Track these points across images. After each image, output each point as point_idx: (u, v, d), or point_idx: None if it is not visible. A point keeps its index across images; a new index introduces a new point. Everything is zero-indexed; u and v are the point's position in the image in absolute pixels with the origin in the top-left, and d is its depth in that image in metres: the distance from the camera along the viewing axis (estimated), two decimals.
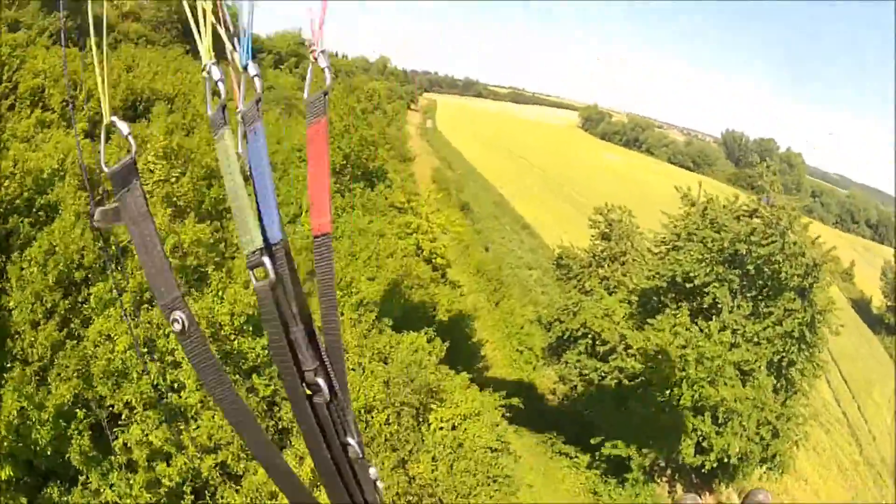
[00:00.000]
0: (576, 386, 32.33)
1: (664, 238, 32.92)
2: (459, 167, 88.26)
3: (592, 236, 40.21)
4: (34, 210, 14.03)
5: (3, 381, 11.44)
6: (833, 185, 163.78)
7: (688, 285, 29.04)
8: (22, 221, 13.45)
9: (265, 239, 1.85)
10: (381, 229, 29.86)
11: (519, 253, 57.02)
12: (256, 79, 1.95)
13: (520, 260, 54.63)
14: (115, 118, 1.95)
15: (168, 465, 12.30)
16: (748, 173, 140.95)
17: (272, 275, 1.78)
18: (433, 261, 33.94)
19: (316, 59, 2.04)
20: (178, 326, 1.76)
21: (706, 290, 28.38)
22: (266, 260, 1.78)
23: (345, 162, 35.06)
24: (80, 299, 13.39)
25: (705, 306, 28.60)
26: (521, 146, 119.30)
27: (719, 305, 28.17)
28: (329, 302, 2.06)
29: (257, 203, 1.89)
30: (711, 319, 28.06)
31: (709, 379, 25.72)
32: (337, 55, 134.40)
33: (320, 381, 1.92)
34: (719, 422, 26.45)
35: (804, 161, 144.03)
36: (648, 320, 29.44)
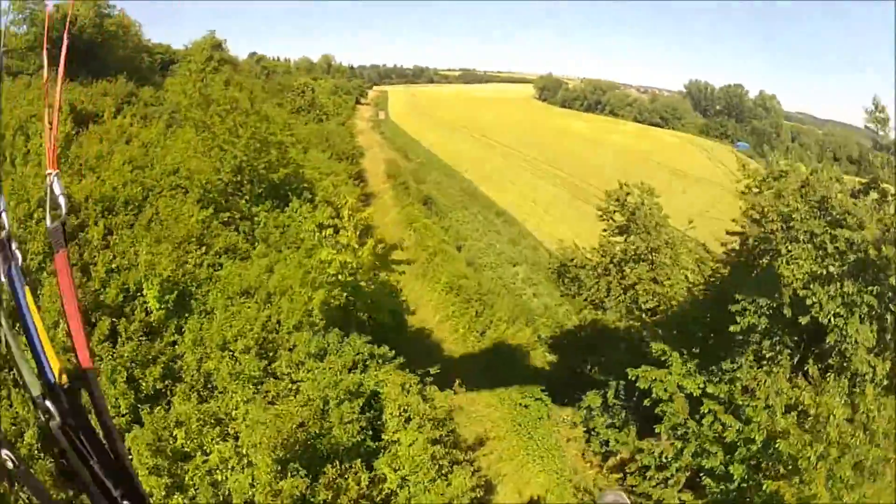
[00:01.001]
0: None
1: (740, 230, 19.17)
2: (418, 156, 77.49)
3: (604, 231, 28.55)
4: None
5: None
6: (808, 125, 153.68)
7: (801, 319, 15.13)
8: None
9: (45, 381, 1.75)
10: (284, 278, 19.20)
11: (498, 247, 46.51)
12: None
13: (500, 256, 44.05)
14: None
15: None
16: (721, 123, 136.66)
17: (57, 417, 1.69)
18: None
19: (51, 185, 1.94)
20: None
21: (828, 319, 14.89)
22: (49, 404, 1.68)
23: (237, 177, 24.34)
24: None
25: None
26: (480, 125, 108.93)
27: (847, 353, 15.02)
28: (107, 426, 1.87)
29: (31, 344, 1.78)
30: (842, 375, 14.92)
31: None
32: (278, 59, 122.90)
33: None
34: None
35: (779, 103, 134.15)
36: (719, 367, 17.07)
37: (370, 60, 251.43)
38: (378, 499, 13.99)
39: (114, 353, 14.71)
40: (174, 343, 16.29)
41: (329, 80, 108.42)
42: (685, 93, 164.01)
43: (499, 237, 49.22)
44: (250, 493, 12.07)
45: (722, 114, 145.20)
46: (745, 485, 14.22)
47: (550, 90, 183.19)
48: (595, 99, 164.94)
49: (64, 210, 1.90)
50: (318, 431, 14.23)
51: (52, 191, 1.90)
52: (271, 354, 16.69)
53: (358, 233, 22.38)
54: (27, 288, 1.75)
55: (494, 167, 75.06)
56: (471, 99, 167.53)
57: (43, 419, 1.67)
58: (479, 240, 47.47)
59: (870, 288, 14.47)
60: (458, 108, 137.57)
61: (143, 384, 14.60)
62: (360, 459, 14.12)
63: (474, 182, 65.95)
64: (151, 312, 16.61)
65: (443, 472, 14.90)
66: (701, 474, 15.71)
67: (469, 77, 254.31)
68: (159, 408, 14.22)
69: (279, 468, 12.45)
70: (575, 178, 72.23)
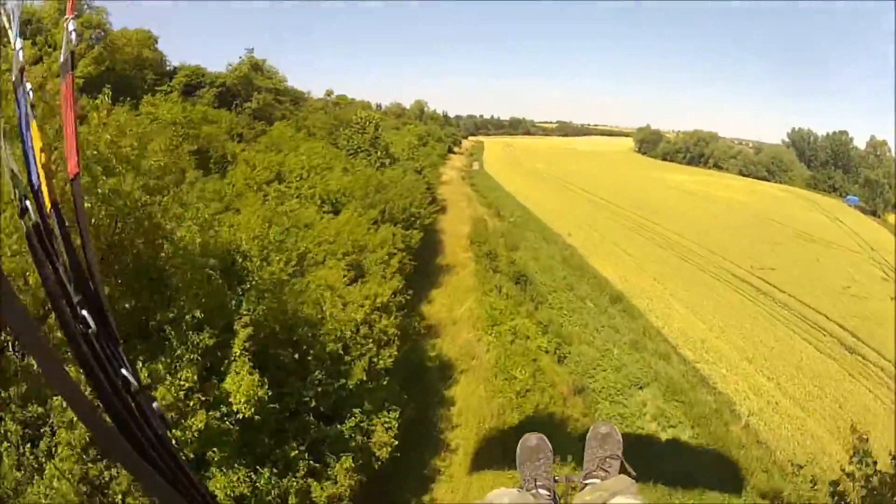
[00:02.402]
0: None
1: None
2: (512, 213, 63.38)
3: None
4: None
5: None
6: None
7: None
8: None
9: (30, 184, 1.87)
10: None
11: (616, 353, 31.72)
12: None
13: (620, 373, 29.32)
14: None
15: None
16: (828, 174, 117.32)
17: (34, 217, 1.74)
18: None
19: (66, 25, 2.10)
20: None
21: None
22: (28, 204, 1.75)
23: None
24: None
25: None
26: (580, 178, 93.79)
27: None
28: (84, 235, 2.01)
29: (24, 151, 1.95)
30: None
31: None
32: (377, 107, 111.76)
33: (85, 313, 1.72)
34: None
35: (891, 149, 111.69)
36: None
37: (466, 111, 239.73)
38: None
39: None
40: None
41: (419, 125, 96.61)
42: (789, 142, 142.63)
43: (617, 337, 34.07)
44: None
45: (828, 164, 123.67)
46: None
47: (650, 143, 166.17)
48: (698, 151, 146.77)
49: (74, 42, 2.07)
50: None
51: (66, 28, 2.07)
52: None
53: None
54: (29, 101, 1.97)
55: (601, 230, 59.84)
56: (569, 151, 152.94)
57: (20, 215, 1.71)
58: (590, 341, 32.65)
59: None
60: (555, 161, 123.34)
61: None
62: None
63: (579, 249, 50.81)
64: None
65: None
66: None
67: (566, 129, 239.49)
68: None
69: None
70: (693, 243, 56.30)
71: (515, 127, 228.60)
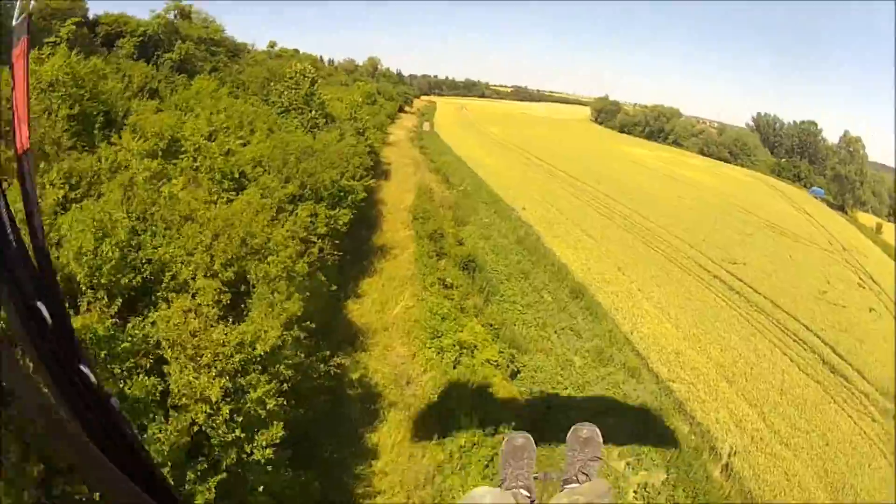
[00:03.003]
0: None
1: None
2: (462, 179, 56.86)
3: None
4: None
5: None
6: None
7: None
8: None
9: None
10: None
11: (581, 371, 26.01)
12: None
13: (586, 406, 23.80)
14: None
15: None
16: (793, 163, 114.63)
17: None
18: None
19: None
20: None
21: None
22: None
23: None
24: None
25: None
26: (537, 146, 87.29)
27: None
28: (35, 219, 1.90)
29: None
30: None
31: None
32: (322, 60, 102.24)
33: (40, 305, 1.62)
34: None
35: (864, 147, 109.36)
36: None
37: (421, 70, 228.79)
38: None
39: None
40: None
41: (370, 82, 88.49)
42: (753, 126, 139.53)
43: (579, 344, 28.30)
44: None
45: (793, 152, 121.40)
46: None
47: (608, 113, 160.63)
48: (658, 126, 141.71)
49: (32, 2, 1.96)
50: None
51: None
52: None
53: None
54: None
55: (559, 205, 53.74)
56: (524, 116, 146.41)
57: None
58: (548, 349, 26.96)
59: None
60: (510, 125, 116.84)
61: None
62: None
63: (535, 227, 44.70)
64: None
65: None
66: None
67: (521, 94, 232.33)
68: None
69: None
70: (659, 228, 51.00)
71: (470, 89, 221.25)
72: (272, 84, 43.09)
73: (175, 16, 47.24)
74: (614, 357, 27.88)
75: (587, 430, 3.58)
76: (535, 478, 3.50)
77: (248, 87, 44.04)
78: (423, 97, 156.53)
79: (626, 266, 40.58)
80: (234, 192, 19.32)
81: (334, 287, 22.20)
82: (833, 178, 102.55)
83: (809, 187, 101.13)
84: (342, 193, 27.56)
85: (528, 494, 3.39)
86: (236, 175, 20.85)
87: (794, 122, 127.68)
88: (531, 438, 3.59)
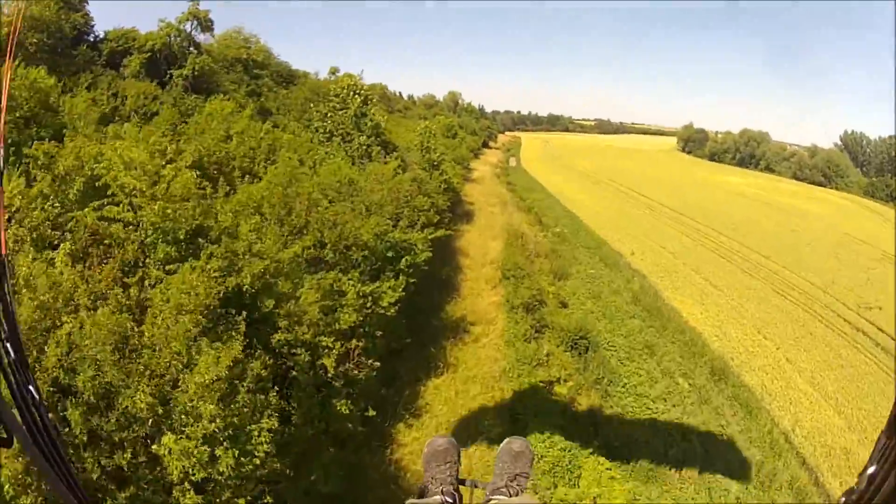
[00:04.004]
0: None
1: None
2: (557, 219, 48.52)
3: None
4: None
5: None
6: None
7: None
8: None
9: None
10: None
11: None
12: None
13: None
14: None
15: None
16: (885, 182, 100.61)
17: None
18: None
19: None
20: None
21: None
22: None
23: None
24: None
25: None
26: (629, 178, 78.26)
27: None
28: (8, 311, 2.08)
29: None
30: None
31: None
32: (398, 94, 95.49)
33: (9, 346, 1.97)
34: None
35: None
36: None
37: (503, 107, 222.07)
38: None
39: None
40: None
41: (451, 116, 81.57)
42: (841, 146, 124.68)
43: (734, 458, 19.18)
44: None
45: (883, 170, 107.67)
46: None
47: (695, 142, 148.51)
48: (748, 152, 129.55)
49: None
50: None
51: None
52: None
53: None
54: None
55: (670, 247, 44.18)
56: (610, 149, 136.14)
57: None
58: (696, 479, 18.26)
59: None
60: (599, 158, 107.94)
61: None
62: None
63: (651, 279, 35.63)
64: None
65: None
66: None
67: (604, 127, 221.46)
68: None
69: None
70: (784, 269, 41.17)
71: (554, 123, 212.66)
72: (313, 106, 34.51)
73: (192, 27, 36.66)
74: (778, 473, 18.83)
75: (519, 444, 3.39)
76: (462, 483, 3.33)
77: (290, 111, 36.50)
78: (507, 133, 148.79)
79: (766, 326, 31.16)
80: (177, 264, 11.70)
81: (372, 413, 14.50)
82: None
83: None
84: (393, 254, 18.48)
85: (451, 500, 3.14)
86: (181, 236, 12.29)
87: (881, 137, 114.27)
88: (454, 441, 3.42)
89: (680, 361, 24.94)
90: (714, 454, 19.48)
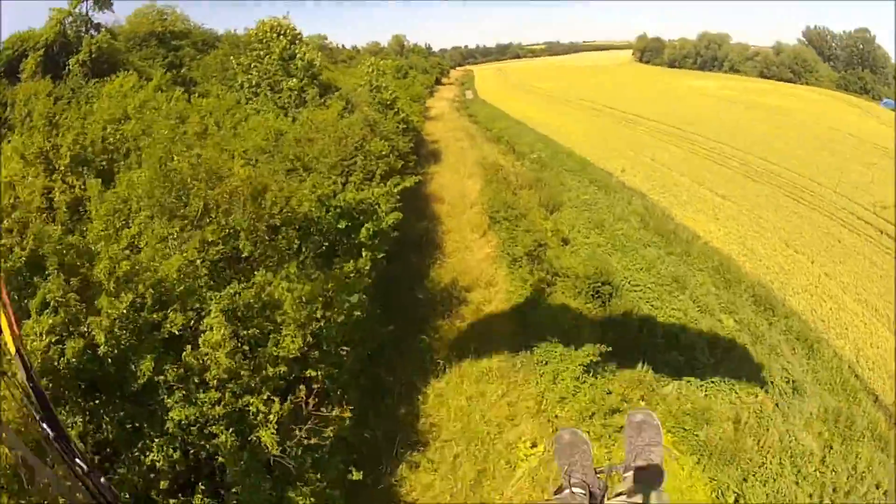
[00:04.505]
0: None
1: None
2: (531, 145, 43.32)
3: None
4: None
5: None
6: None
7: None
8: None
9: None
10: None
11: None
12: None
13: None
14: None
15: None
16: (858, 75, 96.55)
17: None
18: None
19: None
20: None
21: None
22: None
23: None
24: None
25: None
26: (597, 93, 73.44)
27: None
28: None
29: None
30: None
31: None
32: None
33: (45, 425, 2.09)
34: None
35: None
36: None
37: (450, 44, 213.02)
38: None
39: None
40: None
41: (399, 59, 74.66)
42: (805, 42, 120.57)
43: (804, 407, 14.77)
44: None
45: (852, 64, 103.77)
46: None
47: (652, 51, 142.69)
48: (710, 55, 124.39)
49: None
50: None
51: None
52: None
53: None
54: None
55: (664, 161, 39.26)
56: (567, 68, 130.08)
57: None
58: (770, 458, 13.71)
59: None
60: (559, 79, 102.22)
61: None
62: None
63: (653, 197, 30.87)
64: None
65: None
66: None
67: (556, 49, 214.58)
68: None
69: None
70: (788, 171, 36.81)
71: (503, 52, 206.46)
72: (233, 59, 28.40)
73: (87, 7, 29.89)
74: (857, 420, 14.62)
75: (641, 415, 3.18)
76: (599, 471, 3.14)
77: (213, 76, 30.80)
78: (458, 67, 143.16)
79: (791, 237, 26.82)
80: None
81: (357, 476, 9.47)
82: None
83: (879, 99, 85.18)
84: (348, 222, 12.57)
85: (584, 492, 3.00)
86: None
87: (845, 31, 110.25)
88: (577, 432, 3.23)
89: (717, 293, 20.27)
90: (789, 411, 15.01)
